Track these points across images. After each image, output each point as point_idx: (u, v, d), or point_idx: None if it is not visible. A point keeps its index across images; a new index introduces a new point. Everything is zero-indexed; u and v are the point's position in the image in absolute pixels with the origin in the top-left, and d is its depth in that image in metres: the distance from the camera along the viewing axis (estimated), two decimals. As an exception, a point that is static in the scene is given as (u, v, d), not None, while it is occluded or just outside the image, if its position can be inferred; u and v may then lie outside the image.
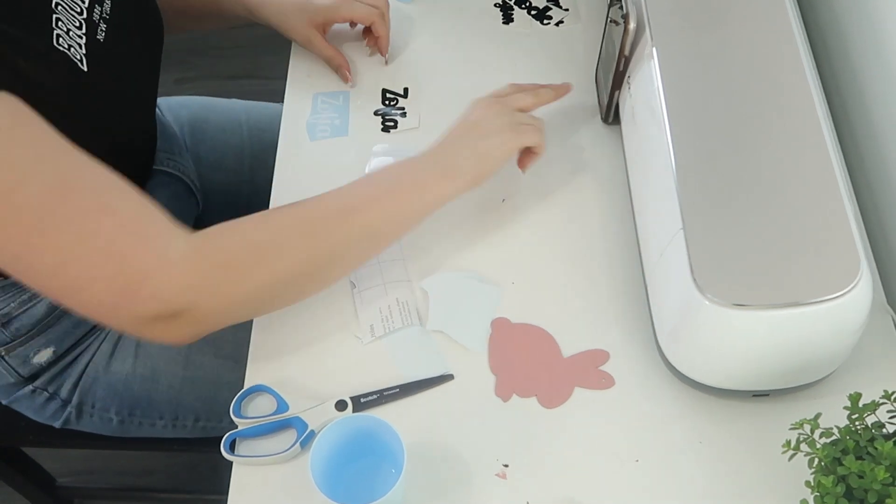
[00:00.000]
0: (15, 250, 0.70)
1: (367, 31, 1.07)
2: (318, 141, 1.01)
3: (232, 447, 0.79)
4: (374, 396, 0.82)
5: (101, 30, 0.85)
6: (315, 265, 0.79)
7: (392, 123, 1.02)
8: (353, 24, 1.08)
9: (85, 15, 0.83)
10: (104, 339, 1.01)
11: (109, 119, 0.87)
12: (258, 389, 0.83)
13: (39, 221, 0.68)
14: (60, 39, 0.79)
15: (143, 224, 0.72)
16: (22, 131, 0.69)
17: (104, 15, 0.86)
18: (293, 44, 1.09)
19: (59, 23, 0.79)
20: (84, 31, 0.82)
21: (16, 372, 0.99)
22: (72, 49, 0.79)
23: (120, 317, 0.73)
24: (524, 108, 0.91)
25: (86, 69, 0.81)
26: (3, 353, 0.97)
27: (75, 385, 1.01)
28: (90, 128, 0.82)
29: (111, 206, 0.71)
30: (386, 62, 1.07)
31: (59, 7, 0.80)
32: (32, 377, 1.00)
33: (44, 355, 0.98)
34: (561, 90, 0.96)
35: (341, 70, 1.05)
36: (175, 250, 0.72)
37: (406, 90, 1.05)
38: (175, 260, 0.72)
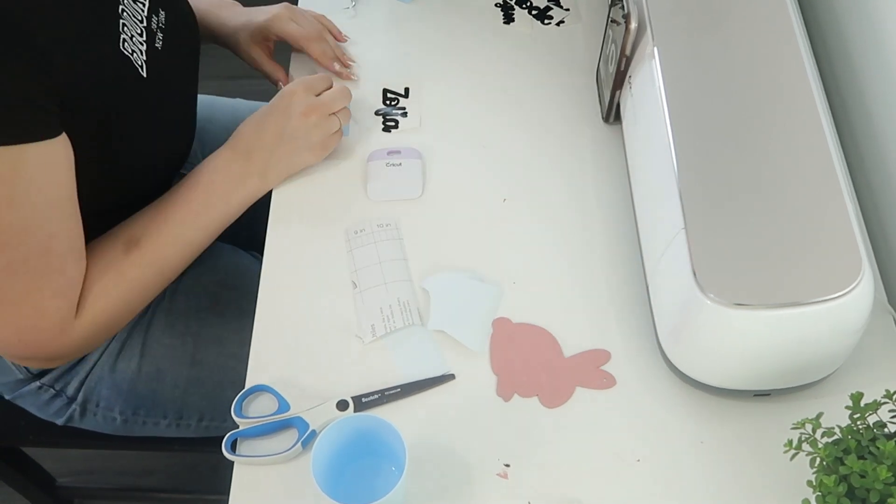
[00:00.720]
0: None
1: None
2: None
3: (233, 447, 0.79)
4: (376, 396, 0.82)
5: (159, 38, 0.89)
6: (168, 283, 0.91)
7: (393, 123, 1.02)
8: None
9: (145, 23, 0.86)
10: (113, 337, 1.01)
11: (162, 124, 0.91)
12: (259, 389, 0.83)
13: (9, 265, 0.76)
14: (125, 44, 0.82)
15: (53, 308, 0.81)
16: (49, 186, 0.75)
17: (160, 24, 0.89)
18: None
19: (125, 28, 0.82)
20: (145, 38, 0.86)
21: (25, 368, 0.99)
22: (134, 55, 0.83)
23: (9, 355, 0.91)
24: (338, 109, 0.94)
25: (146, 75, 0.84)
26: None
27: (81, 383, 1.01)
28: (149, 128, 0.88)
29: (37, 280, 0.78)
30: (353, 77, 1.06)
31: (125, 13, 0.83)
32: (41, 374, 1.00)
33: None
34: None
35: (278, 83, 1.08)
36: (69, 333, 0.83)
37: (407, 90, 1.05)
38: (70, 338, 0.83)
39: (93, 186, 0.81)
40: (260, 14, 1.07)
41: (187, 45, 0.97)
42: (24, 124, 0.71)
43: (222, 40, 1.11)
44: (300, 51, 1.08)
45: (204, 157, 1.16)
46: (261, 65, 1.09)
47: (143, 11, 0.87)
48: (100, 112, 0.79)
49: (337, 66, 1.05)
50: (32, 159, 0.72)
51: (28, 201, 0.74)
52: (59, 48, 0.73)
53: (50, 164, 0.74)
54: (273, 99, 0.95)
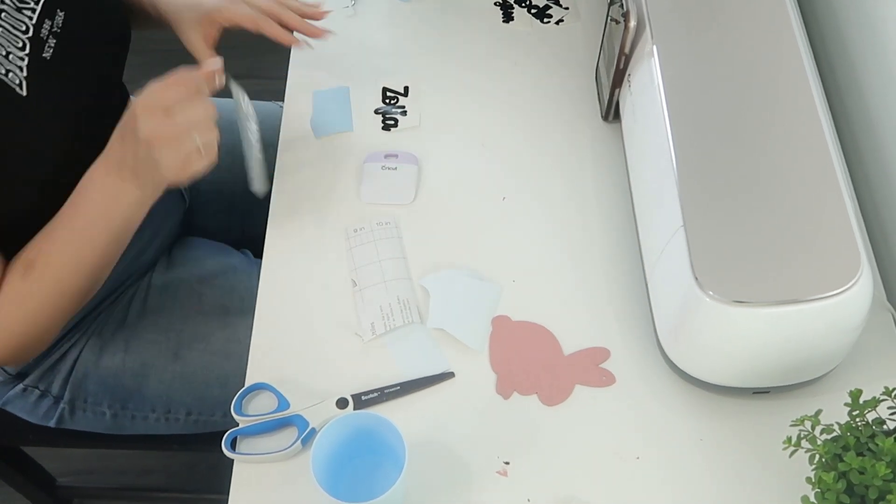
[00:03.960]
0: None
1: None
2: (321, 138, 1.00)
3: (233, 445, 0.79)
4: (375, 394, 0.82)
5: (49, 46, 0.83)
6: (80, 297, 0.86)
7: (392, 122, 1.02)
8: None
9: (31, 33, 0.82)
10: (91, 333, 1.01)
11: (63, 131, 0.85)
12: (259, 387, 0.83)
13: None
14: None
15: None
16: None
17: (55, 29, 0.84)
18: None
19: None
20: (28, 50, 0.81)
21: (3, 370, 0.99)
22: (10, 74, 0.79)
23: None
24: (192, 125, 0.78)
25: (25, 93, 0.79)
26: None
27: (66, 380, 1.01)
28: (39, 145, 0.82)
29: None
30: (310, 46, 1.01)
31: (0, 29, 0.79)
32: (22, 375, 1.00)
33: None
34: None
35: (211, 66, 0.94)
36: None
37: (406, 89, 1.05)
38: None
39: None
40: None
41: (99, 42, 0.90)
42: None
43: (165, 19, 1.00)
44: (257, 33, 0.99)
45: None
46: (196, 50, 0.99)
47: (29, 20, 0.81)
48: None
49: (296, 38, 0.98)
50: None
51: None
52: None
53: None
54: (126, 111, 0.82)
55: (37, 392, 1.02)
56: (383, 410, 0.81)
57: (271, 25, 0.97)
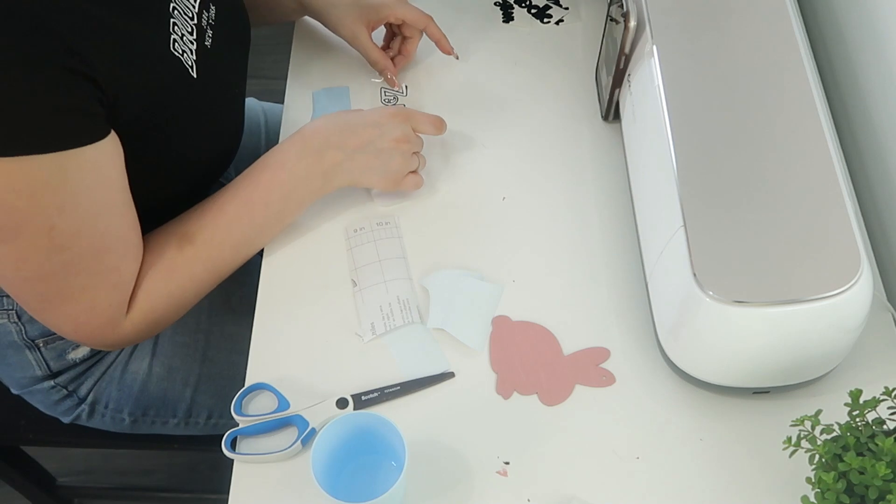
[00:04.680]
0: (27, 272, 0.76)
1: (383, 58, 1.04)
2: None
3: (233, 445, 0.79)
4: (375, 394, 0.82)
5: (209, 35, 0.86)
6: (220, 281, 0.89)
7: (395, 98, 1.01)
8: (396, 30, 1.05)
9: (195, 20, 0.84)
10: None
11: (212, 124, 0.89)
12: (259, 387, 0.83)
13: (65, 265, 0.76)
14: (176, 45, 0.80)
15: (106, 304, 0.81)
16: (99, 187, 0.74)
17: (210, 20, 0.87)
18: (293, 44, 1.09)
19: (176, 27, 0.81)
20: (195, 36, 0.84)
21: (46, 365, 0.99)
22: (185, 55, 0.81)
23: (83, 342, 0.92)
24: (420, 150, 0.93)
25: (195, 76, 0.82)
26: (41, 344, 0.97)
27: (94, 384, 1.01)
28: (198, 128, 0.86)
29: (90, 279, 0.78)
30: (457, 57, 1.06)
31: (176, 11, 0.81)
32: (58, 373, 1.00)
33: (80, 351, 0.99)
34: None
35: (386, 73, 1.03)
36: (121, 327, 0.84)
37: (405, 88, 1.05)
38: (121, 332, 0.84)
39: (141, 186, 0.80)
40: None
41: (237, 40, 0.94)
42: (69, 130, 0.70)
43: (314, 10, 1.04)
44: (410, 37, 1.03)
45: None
46: (368, 49, 1.02)
47: (193, 8, 0.85)
48: (149, 115, 0.78)
49: (454, 52, 1.03)
50: (80, 164, 0.71)
51: (79, 205, 0.73)
52: (105, 53, 0.71)
53: (98, 166, 0.73)
54: (367, 109, 0.92)
55: (63, 392, 1.02)
56: (383, 410, 0.81)
57: (438, 29, 1.02)
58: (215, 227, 0.85)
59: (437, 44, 1.03)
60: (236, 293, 1.03)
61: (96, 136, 0.72)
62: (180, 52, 0.81)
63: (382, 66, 1.03)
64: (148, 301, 0.84)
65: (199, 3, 0.86)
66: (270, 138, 1.20)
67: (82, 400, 1.02)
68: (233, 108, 0.95)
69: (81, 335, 0.84)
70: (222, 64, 0.89)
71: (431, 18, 1.02)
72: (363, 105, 1.03)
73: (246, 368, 0.84)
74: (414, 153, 0.92)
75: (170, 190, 0.88)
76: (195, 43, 0.83)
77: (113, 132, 0.74)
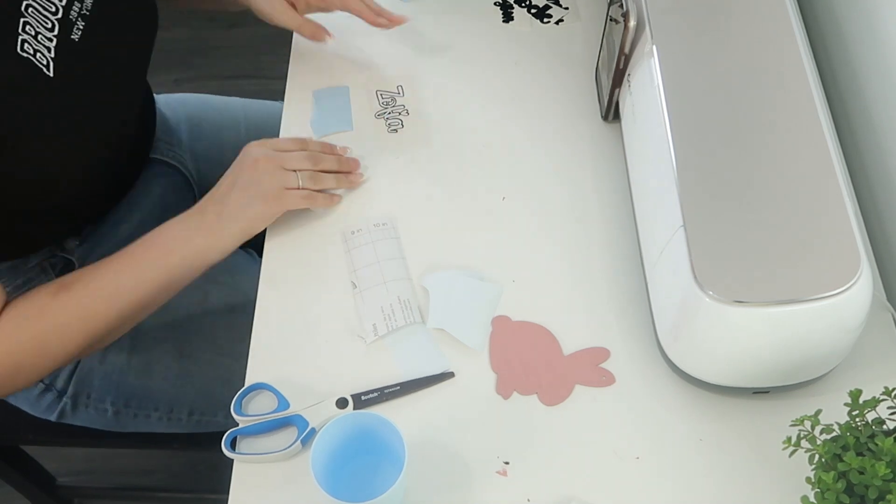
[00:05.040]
0: None
1: None
2: (321, 138, 1.00)
3: (233, 445, 0.79)
4: (375, 394, 0.82)
5: (78, 28, 0.83)
6: (94, 340, 0.84)
7: (399, 123, 1.01)
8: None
9: (60, 14, 0.81)
10: None
11: (85, 118, 0.85)
12: (259, 387, 0.83)
13: None
14: (26, 45, 0.78)
15: None
16: None
17: (83, 11, 0.84)
18: (293, 44, 1.09)
19: (27, 27, 0.78)
20: (56, 31, 0.81)
21: None
22: (38, 54, 0.78)
23: None
24: (298, 168, 0.89)
25: (51, 74, 0.79)
26: None
27: (71, 375, 1.01)
28: (60, 129, 0.82)
29: None
30: (400, 21, 1.01)
31: (30, 9, 0.79)
32: None
33: None
34: (351, 172, 0.94)
35: (317, 34, 1.00)
36: None
37: (400, 87, 1.05)
38: None
39: (28, 185, 0.79)
40: None
41: (125, 29, 0.90)
42: None
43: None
44: (328, 9, 1.00)
45: (190, 154, 1.17)
46: (289, 19, 0.98)
47: (59, 2, 0.81)
48: (2, 117, 0.75)
49: (382, 21, 0.98)
50: None
51: None
52: None
53: None
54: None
55: (41, 385, 1.02)
56: (383, 410, 0.81)
57: (358, 2, 0.98)
58: (92, 277, 0.83)
59: (360, 17, 0.99)
60: (213, 292, 1.04)
61: None
62: (31, 51, 0.78)
63: (310, 30, 0.99)
64: (7, 343, 0.80)
65: None
66: (251, 134, 1.19)
67: (62, 392, 1.03)
68: (123, 95, 0.91)
69: None
70: (94, 56, 0.85)
71: None
72: (363, 105, 1.03)
73: (225, 367, 0.84)
74: (287, 170, 0.88)
75: (40, 198, 0.85)
76: (55, 39, 0.80)
77: None
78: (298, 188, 0.89)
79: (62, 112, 0.82)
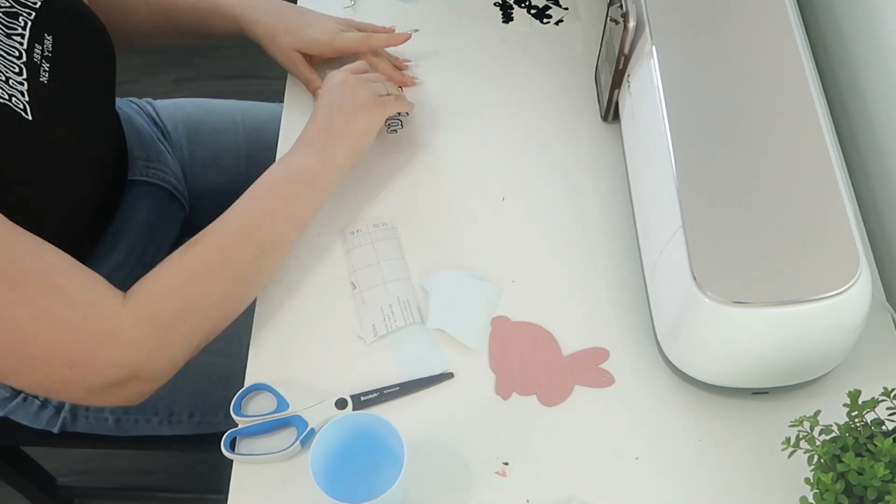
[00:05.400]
0: None
1: None
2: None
3: (232, 445, 0.79)
4: (374, 394, 0.82)
5: (45, 70, 0.82)
6: (239, 289, 0.83)
7: (398, 125, 1.01)
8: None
9: (24, 58, 0.80)
10: None
11: (65, 157, 0.85)
12: (258, 388, 0.83)
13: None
14: (0, 90, 0.77)
15: (89, 298, 0.74)
16: None
17: (46, 53, 0.83)
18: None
19: None
20: (25, 75, 0.80)
21: (4, 384, 0.99)
22: (13, 99, 0.77)
23: (73, 390, 0.77)
24: (380, 79, 0.95)
25: (30, 117, 0.78)
26: None
27: None
28: (44, 171, 0.81)
29: (58, 285, 0.73)
30: (415, 82, 1.05)
31: None
32: None
33: None
34: (395, 39, 1.01)
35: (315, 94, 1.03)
36: (121, 319, 0.75)
37: (401, 89, 1.05)
38: (123, 327, 0.75)
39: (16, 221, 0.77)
40: (312, 28, 1.01)
41: (88, 63, 0.90)
42: None
43: (253, 36, 1.03)
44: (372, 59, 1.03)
45: (188, 157, 1.16)
46: (304, 73, 1.03)
47: (20, 46, 0.80)
48: None
49: (397, 76, 1.03)
50: None
51: None
52: None
53: None
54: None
55: (37, 402, 1.02)
56: (382, 411, 0.81)
57: (381, 42, 1.03)
58: (222, 222, 0.82)
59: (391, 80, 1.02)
60: None
61: None
62: (7, 96, 0.76)
63: (315, 86, 1.02)
64: (146, 292, 0.77)
65: (28, 38, 0.81)
66: (249, 136, 1.19)
67: (59, 407, 1.02)
68: (97, 126, 0.91)
69: (78, 369, 0.74)
70: (67, 97, 0.85)
71: (371, 37, 1.01)
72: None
73: (222, 368, 0.84)
74: (373, 83, 0.93)
75: (55, 218, 0.85)
76: (25, 83, 0.79)
77: None
78: (388, 93, 0.94)
79: (44, 154, 0.81)
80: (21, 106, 0.78)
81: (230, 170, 1.18)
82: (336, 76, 0.93)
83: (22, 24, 0.82)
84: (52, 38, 0.84)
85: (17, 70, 0.79)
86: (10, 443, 1.20)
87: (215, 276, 0.80)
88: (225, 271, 0.81)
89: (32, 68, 0.81)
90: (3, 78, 0.77)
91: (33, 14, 0.83)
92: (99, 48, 0.93)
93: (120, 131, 1.02)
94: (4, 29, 0.80)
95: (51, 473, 1.40)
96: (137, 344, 0.75)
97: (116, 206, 1.01)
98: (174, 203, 1.12)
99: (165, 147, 1.14)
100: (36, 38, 0.82)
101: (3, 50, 0.79)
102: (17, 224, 0.74)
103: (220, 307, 0.81)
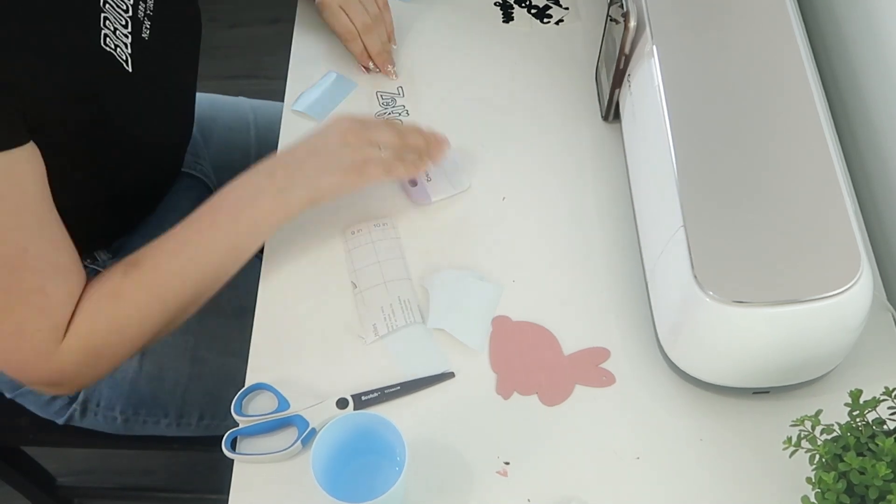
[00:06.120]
0: None
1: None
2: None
3: (233, 445, 0.79)
4: (375, 394, 0.82)
5: (146, 27, 0.84)
6: (172, 317, 0.83)
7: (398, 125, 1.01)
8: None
9: (130, 12, 0.82)
10: None
11: (151, 119, 0.87)
12: (259, 388, 0.83)
13: None
14: (108, 39, 0.79)
15: (49, 318, 0.76)
16: (12, 199, 0.71)
17: (148, 11, 0.85)
18: (293, 44, 1.09)
19: (108, 21, 0.79)
20: (130, 29, 0.82)
21: None
22: (118, 49, 0.79)
23: (18, 377, 0.81)
24: (384, 142, 0.87)
25: (131, 70, 0.81)
26: None
27: None
28: (129, 130, 0.84)
29: (40, 289, 0.75)
30: (392, 76, 1.05)
31: (107, 5, 0.80)
32: None
33: None
34: (436, 149, 0.91)
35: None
36: (55, 350, 0.77)
37: (400, 88, 1.05)
38: (55, 358, 0.78)
39: (80, 186, 0.79)
40: None
41: (181, 31, 0.92)
42: None
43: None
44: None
45: (207, 155, 1.17)
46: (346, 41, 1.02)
47: (128, 0, 0.82)
48: (82, 112, 0.76)
49: (370, 66, 1.01)
50: None
51: None
52: (22, 56, 0.69)
53: (11, 174, 0.70)
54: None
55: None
56: (383, 410, 0.81)
57: (356, 45, 1.02)
58: (161, 253, 0.81)
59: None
60: (225, 295, 1.03)
61: (10, 142, 0.69)
62: (113, 46, 0.78)
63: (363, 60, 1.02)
64: (87, 324, 0.78)
65: None
66: (260, 136, 1.19)
67: (72, 398, 1.02)
68: (179, 100, 0.92)
69: (12, 366, 0.78)
70: (163, 56, 0.86)
71: (362, 31, 1.01)
72: (364, 105, 1.03)
73: (236, 369, 0.84)
74: (373, 144, 0.87)
75: (113, 186, 0.87)
76: (130, 36, 0.81)
77: (32, 144, 0.71)
78: (380, 159, 0.87)
79: (135, 109, 0.83)
80: (124, 57, 0.80)
81: (243, 170, 1.18)
82: (342, 123, 0.87)
83: None
84: (154, 0, 0.86)
85: (123, 23, 0.81)
86: (10, 441, 1.19)
87: (147, 311, 0.81)
88: (156, 303, 0.82)
89: (136, 23, 0.83)
90: (112, 28, 0.79)
91: None
92: (190, 17, 0.94)
93: (193, 115, 1.01)
94: None
95: (51, 473, 1.40)
96: (67, 369, 0.79)
97: (164, 193, 1.02)
98: (201, 190, 1.12)
99: (200, 144, 1.15)
100: None
101: (114, 1, 0.81)
102: (103, 166, 0.78)
103: (150, 332, 0.83)
